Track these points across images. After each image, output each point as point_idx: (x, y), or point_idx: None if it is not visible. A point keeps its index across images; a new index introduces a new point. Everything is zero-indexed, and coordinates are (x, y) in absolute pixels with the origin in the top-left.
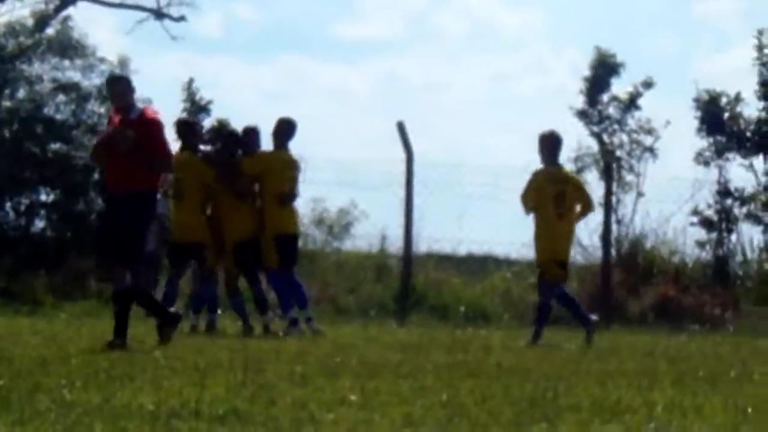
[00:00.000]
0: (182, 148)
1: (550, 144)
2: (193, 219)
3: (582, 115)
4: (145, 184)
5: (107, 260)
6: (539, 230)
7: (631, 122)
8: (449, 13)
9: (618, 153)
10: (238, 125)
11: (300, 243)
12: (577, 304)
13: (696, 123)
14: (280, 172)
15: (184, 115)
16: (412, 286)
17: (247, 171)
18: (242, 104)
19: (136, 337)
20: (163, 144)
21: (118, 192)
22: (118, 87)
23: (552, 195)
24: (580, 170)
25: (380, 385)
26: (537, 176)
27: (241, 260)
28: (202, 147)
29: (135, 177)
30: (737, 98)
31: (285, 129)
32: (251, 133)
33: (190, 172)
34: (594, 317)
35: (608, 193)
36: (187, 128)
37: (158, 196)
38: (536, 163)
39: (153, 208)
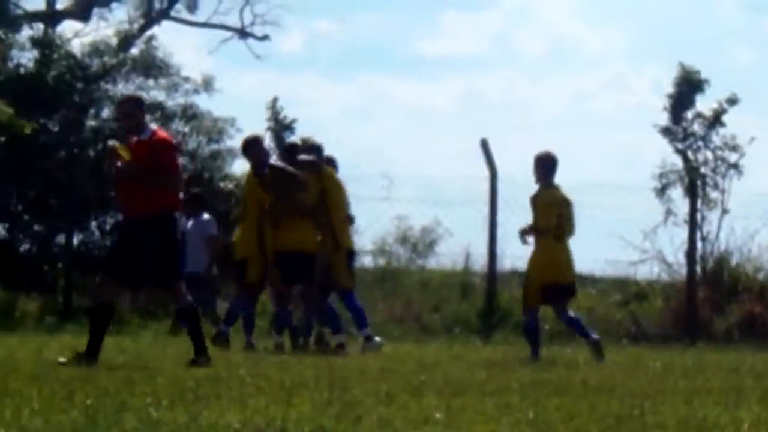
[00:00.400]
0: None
1: (547, 164)
2: (253, 236)
3: (666, 132)
4: (158, 207)
5: (140, 284)
6: (538, 253)
7: (716, 139)
8: (530, 31)
9: (703, 170)
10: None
11: (384, 261)
12: (582, 324)
13: None
14: (342, 191)
15: (269, 133)
16: (497, 303)
17: (311, 187)
18: (325, 122)
19: (222, 355)
20: (170, 163)
21: (133, 217)
22: (126, 107)
23: (554, 217)
24: (664, 187)
25: (466, 403)
26: (542, 197)
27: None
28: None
29: (148, 200)
30: None
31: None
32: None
33: (248, 191)
34: (595, 335)
35: (693, 210)
36: (249, 147)
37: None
38: (620, 178)
39: (171, 227)
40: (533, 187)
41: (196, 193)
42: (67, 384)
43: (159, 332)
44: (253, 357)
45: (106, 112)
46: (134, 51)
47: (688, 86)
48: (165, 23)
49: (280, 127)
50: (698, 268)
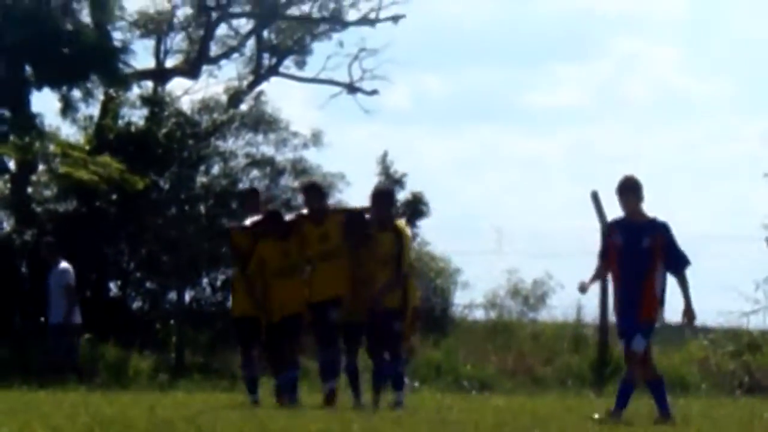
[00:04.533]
0: None
1: None
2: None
3: None
4: None
5: None
6: None
7: None
8: (638, 81)
9: None
10: (431, 197)
11: (495, 314)
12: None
13: None
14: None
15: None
16: (609, 355)
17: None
18: (435, 175)
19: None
20: None
21: None
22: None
23: None
24: None
25: None
26: None
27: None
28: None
29: None
30: None
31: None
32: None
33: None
34: None
35: None
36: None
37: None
38: (730, 229)
39: None
40: None
41: (50, 242)
42: None
43: (270, 390)
44: (366, 411)
45: (216, 169)
46: (243, 107)
47: None
48: (274, 79)
49: (391, 181)
50: None
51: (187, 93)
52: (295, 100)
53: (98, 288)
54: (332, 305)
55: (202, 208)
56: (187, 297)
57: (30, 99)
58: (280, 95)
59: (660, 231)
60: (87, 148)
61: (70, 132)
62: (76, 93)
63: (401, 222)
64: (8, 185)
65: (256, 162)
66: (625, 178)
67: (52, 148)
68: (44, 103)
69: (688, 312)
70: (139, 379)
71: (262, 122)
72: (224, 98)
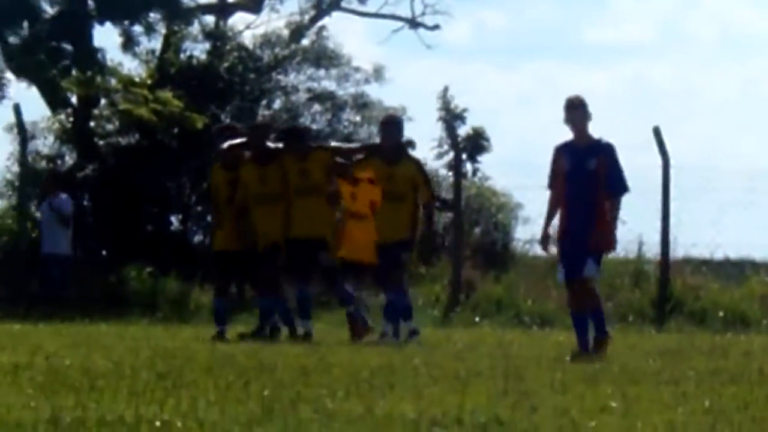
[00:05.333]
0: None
1: None
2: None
3: None
4: None
5: None
6: None
7: None
8: (700, 17)
9: None
10: (492, 132)
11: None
12: None
13: None
14: None
15: (440, 124)
16: (670, 291)
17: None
18: (495, 110)
19: (396, 345)
20: None
21: None
22: None
23: None
24: None
25: (641, 392)
26: None
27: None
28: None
29: None
30: None
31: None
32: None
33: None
34: None
35: None
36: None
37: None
38: None
39: None
40: (705, 175)
41: (55, 172)
42: (243, 375)
43: (332, 323)
44: (427, 347)
45: (277, 103)
46: (305, 42)
47: None
48: (336, 14)
49: (452, 116)
50: None
51: (249, 27)
52: (356, 35)
53: (160, 222)
54: (317, 246)
55: None
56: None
57: (92, 33)
58: (342, 30)
59: (604, 151)
60: (148, 82)
61: (131, 66)
62: (138, 27)
63: (413, 154)
64: (70, 119)
65: (317, 97)
66: (570, 97)
67: (113, 82)
68: (106, 37)
69: (608, 239)
70: (201, 313)
71: (323, 57)
72: (286, 33)
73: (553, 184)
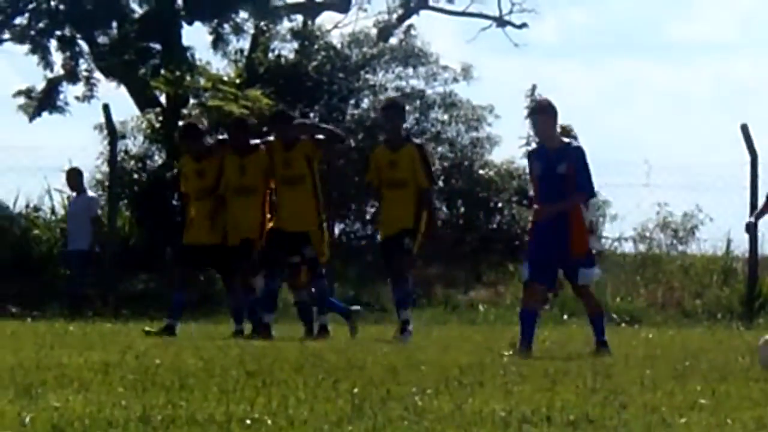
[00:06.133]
0: None
1: None
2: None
3: None
4: None
5: None
6: None
7: None
8: None
9: None
10: (580, 130)
11: (645, 247)
12: None
13: None
14: None
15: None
16: (759, 288)
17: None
18: (583, 109)
19: (485, 343)
20: None
21: None
22: None
23: None
24: None
25: (731, 389)
26: None
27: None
28: None
29: None
30: None
31: None
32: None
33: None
34: None
35: None
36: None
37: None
38: None
39: None
40: None
41: (76, 170)
42: (332, 373)
43: (421, 321)
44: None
45: (366, 102)
46: (393, 41)
47: None
48: (423, 12)
49: None
50: None
51: (336, 26)
52: (444, 34)
53: None
54: (301, 240)
55: (351, 142)
56: (336, 230)
57: (181, 33)
58: (430, 29)
59: (573, 156)
60: (237, 81)
61: (220, 65)
62: (227, 27)
63: (415, 140)
64: (159, 119)
65: (405, 95)
66: (537, 101)
67: (202, 82)
68: (195, 37)
69: (583, 241)
70: (289, 312)
71: (411, 56)
72: (374, 32)
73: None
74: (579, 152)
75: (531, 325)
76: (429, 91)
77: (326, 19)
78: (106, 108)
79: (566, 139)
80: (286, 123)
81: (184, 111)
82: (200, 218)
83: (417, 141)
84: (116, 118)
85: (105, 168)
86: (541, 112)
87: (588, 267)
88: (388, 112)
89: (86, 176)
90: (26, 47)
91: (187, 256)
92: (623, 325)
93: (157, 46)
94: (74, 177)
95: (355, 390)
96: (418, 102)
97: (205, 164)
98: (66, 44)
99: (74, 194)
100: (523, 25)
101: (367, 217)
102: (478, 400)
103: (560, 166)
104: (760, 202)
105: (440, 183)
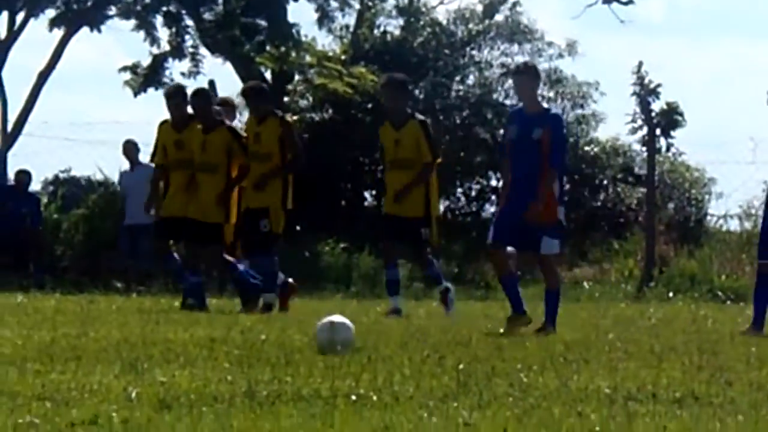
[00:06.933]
0: None
1: None
2: None
3: None
4: None
5: None
6: None
7: None
8: None
9: None
10: (686, 108)
11: (751, 224)
12: None
13: None
14: None
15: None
16: None
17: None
18: (689, 87)
19: (590, 320)
20: None
21: None
22: None
23: None
24: None
25: None
26: None
27: None
28: None
29: None
30: None
31: None
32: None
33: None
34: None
35: None
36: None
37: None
38: None
39: None
40: None
41: (134, 141)
42: (438, 349)
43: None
44: (622, 322)
45: (471, 79)
46: (499, 17)
47: None
48: None
49: (646, 91)
50: None
51: (442, 3)
52: (550, 10)
53: (354, 197)
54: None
55: (456, 118)
56: (442, 207)
57: (286, 9)
58: (535, 5)
59: (549, 123)
60: (342, 57)
61: (325, 42)
62: (333, 3)
63: (419, 115)
64: None
65: (511, 72)
66: (520, 62)
67: (307, 58)
68: (300, 13)
69: (548, 211)
70: None
71: (517, 32)
72: (479, 8)
73: (502, 152)
74: (556, 120)
75: (513, 288)
76: None
77: None
78: (211, 84)
79: (546, 105)
80: (258, 98)
81: (289, 87)
82: (177, 190)
83: (420, 117)
84: (221, 93)
85: None
86: (521, 73)
87: (553, 238)
88: (387, 90)
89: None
90: (132, 23)
91: (165, 230)
92: (728, 303)
93: (263, 22)
94: (131, 149)
95: (461, 366)
96: None
97: (185, 134)
98: (172, 20)
99: (127, 168)
100: (630, 2)
101: (472, 194)
102: (583, 377)
103: (536, 131)
104: None
105: None
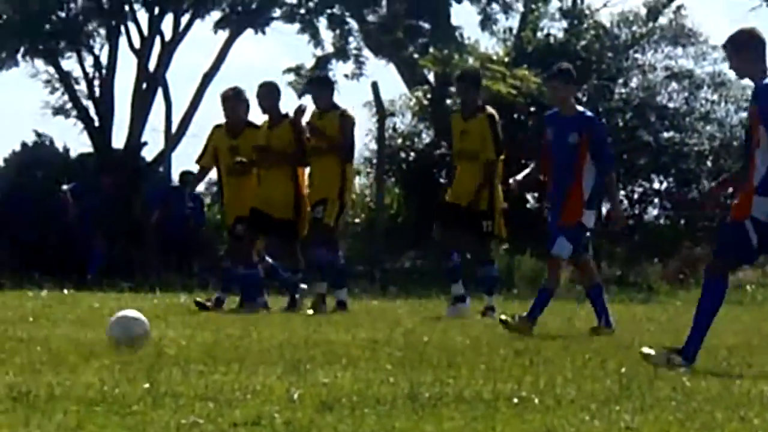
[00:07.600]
0: None
1: None
2: None
3: None
4: None
5: None
6: None
7: None
8: None
9: None
10: None
11: None
12: None
13: None
14: None
15: None
16: None
17: None
18: None
19: (753, 324)
20: None
21: None
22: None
23: None
24: None
25: None
26: None
27: None
28: None
29: None
30: None
31: None
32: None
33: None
34: None
35: None
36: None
37: None
38: None
39: None
40: None
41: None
42: (600, 352)
43: (687, 301)
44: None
45: (634, 82)
46: (663, 20)
47: None
48: None
49: None
50: None
51: (606, 5)
52: (714, 13)
53: (516, 200)
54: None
55: (620, 121)
56: (604, 210)
57: (450, 11)
58: (699, 8)
59: (585, 126)
60: (506, 59)
61: (489, 44)
62: (496, 6)
63: (490, 109)
64: (428, 97)
65: (674, 75)
66: (553, 68)
67: (471, 60)
68: (464, 15)
69: (614, 212)
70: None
71: (681, 35)
72: (643, 11)
73: (540, 153)
74: (591, 122)
75: (543, 304)
76: (698, 71)
77: None
78: (374, 86)
79: (580, 108)
80: (320, 89)
81: (452, 89)
82: (235, 197)
83: (490, 111)
84: (385, 96)
85: (373, 145)
86: (554, 79)
87: (570, 240)
88: (461, 84)
89: (355, 154)
90: (296, 26)
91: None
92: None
93: (426, 25)
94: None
95: (623, 369)
96: (686, 81)
97: (240, 141)
98: (336, 23)
99: None
100: None
101: (635, 197)
102: (746, 381)
103: (572, 136)
104: None
105: (708, 163)
